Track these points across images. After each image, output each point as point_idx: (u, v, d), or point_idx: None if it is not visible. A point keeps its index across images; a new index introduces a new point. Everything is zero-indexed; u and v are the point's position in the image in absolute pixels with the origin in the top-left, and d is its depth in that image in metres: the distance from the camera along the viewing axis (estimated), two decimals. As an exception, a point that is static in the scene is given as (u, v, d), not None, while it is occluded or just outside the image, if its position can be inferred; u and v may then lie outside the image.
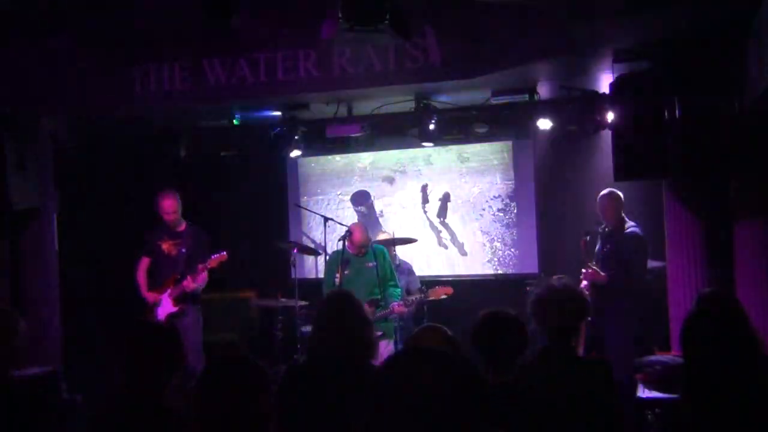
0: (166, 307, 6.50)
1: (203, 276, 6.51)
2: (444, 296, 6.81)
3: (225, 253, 6.50)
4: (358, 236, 6.47)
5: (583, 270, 5.97)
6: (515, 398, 2.91)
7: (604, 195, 6.28)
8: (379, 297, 6.31)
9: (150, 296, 6.55)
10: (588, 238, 6.19)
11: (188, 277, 6.44)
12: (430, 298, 6.79)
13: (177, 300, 6.49)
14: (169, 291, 6.50)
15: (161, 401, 2.73)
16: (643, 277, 6.07)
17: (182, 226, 6.71)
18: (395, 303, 6.41)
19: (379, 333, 6.36)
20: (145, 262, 6.73)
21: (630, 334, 5.79)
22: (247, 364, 2.34)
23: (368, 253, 6.47)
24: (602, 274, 5.91)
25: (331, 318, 3.35)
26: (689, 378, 2.52)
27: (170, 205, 6.57)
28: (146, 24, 5.46)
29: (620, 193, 6.24)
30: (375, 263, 6.39)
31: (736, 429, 2.38)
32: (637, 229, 6.12)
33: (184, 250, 6.56)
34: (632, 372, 4.87)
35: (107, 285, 7.72)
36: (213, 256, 6.48)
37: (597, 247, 6.28)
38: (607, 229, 6.25)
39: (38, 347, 6.47)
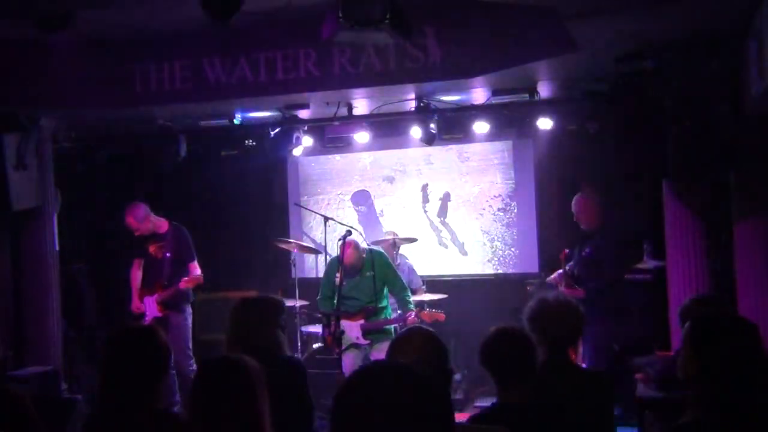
0: (152, 310, 6.53)
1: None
2: (435, 320, 6.27)
3: (201, 275, 6.66)
4: (349, 256, 6.07)
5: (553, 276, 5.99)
6: (525, 416, 2.82)
7: (581, 196, 6.25)
8: (374, 306, 6.22)
9: (135, 307, 6.61)
10: (568, 251, 6.21)
11: (183, 280, 6.53)
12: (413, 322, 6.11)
13: (163, 305, 6.52)
14: (156, 296, 6.54)
15: (154, 403, 2.70)
16: (619, 277, 6.05)
17: (163, 228, 6.71)
18: (410, 313, 6.13)
19: (366, 342, 6.26)
20: (137, 265, 6.78)
21: (607, 336, 5.77)
22: (241, 363, 2.33)
23: (365, 264, 6.17)
24: (579, 290, 5.91)
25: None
26: (706, 385, 2.45)
27: (131, 223, 6.58)
28: (146, 24, 5.45)
29: (596, 195, 6.24)
30: (372, 272, 6.09)
31: None
32: (613, 231, 6.11)
33: (168, 255, 6.57)
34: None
35: (107, 285, 7.73)
36: (191, 276, 6.59)
37: (576, 251, 6.26)
38: (584, 231, 6.24)
39: (38, 347, 6.49)
